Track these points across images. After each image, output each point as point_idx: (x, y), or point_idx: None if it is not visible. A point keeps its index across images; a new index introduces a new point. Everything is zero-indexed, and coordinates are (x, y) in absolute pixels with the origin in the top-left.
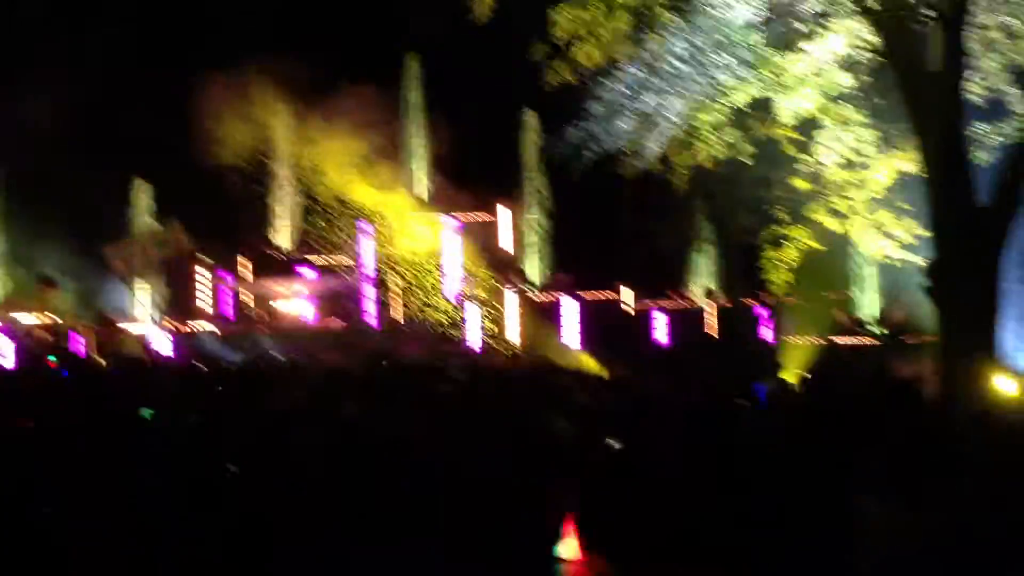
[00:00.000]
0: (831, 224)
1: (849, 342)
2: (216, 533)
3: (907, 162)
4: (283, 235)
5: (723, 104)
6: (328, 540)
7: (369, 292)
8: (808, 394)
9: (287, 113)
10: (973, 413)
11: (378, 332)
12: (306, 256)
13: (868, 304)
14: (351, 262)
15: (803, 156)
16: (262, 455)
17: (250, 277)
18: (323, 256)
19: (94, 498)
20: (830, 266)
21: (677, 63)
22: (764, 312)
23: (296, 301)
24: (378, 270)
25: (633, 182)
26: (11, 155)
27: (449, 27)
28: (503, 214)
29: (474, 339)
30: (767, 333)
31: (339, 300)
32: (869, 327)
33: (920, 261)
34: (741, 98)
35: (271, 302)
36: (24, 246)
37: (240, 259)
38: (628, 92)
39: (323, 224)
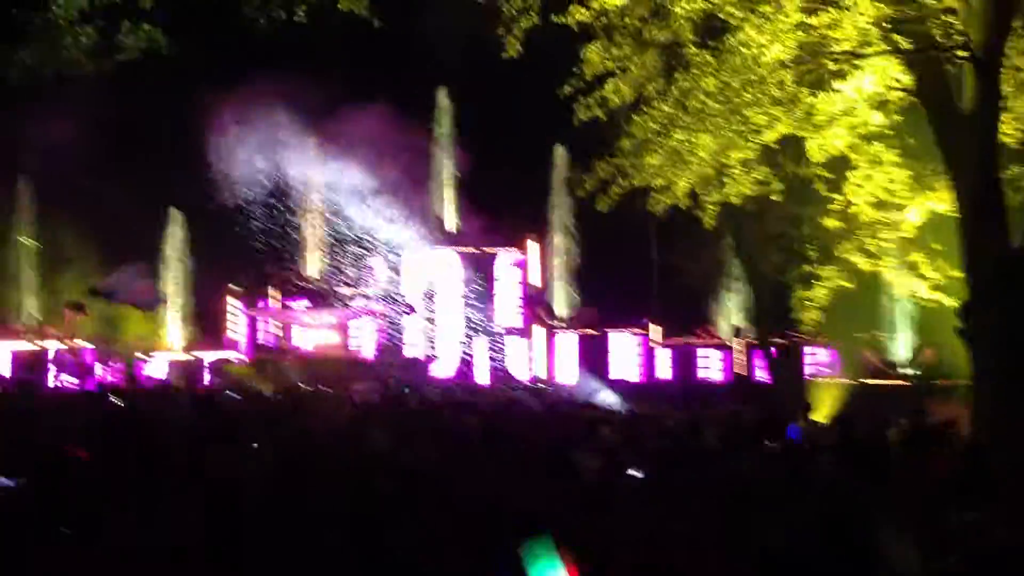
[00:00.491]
0: (862, 264)
1: (880, 383)
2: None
3: (939, 202)
4: (312, 266)
5: (753, 141)
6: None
7: (395, 323)
8: (839, 435)
9: (318, 145)
10: (1006, 456)
11: (403, 362)
12: (334, 287)
13: (899, 345)
14: (378, 293)
15: (834, 195)
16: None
17: (279, 306)
18: (351, 287)
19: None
20: (861, 306)
21: (707, 100)
22: (794, 351)
23: (323, 331)
24: (405, 302)
25: (661, 218)
26: (45, 181)
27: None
28: (532, 249)
29: (498, 373)
30: (797, 372)
31: (365, 330)
32: (900, 368)
33: (952, 302)
34: (771, 136)
35: (299, 331)
36: (57, 272)
37: (270, 289)
38: (657, 128)
39: (351, 255)
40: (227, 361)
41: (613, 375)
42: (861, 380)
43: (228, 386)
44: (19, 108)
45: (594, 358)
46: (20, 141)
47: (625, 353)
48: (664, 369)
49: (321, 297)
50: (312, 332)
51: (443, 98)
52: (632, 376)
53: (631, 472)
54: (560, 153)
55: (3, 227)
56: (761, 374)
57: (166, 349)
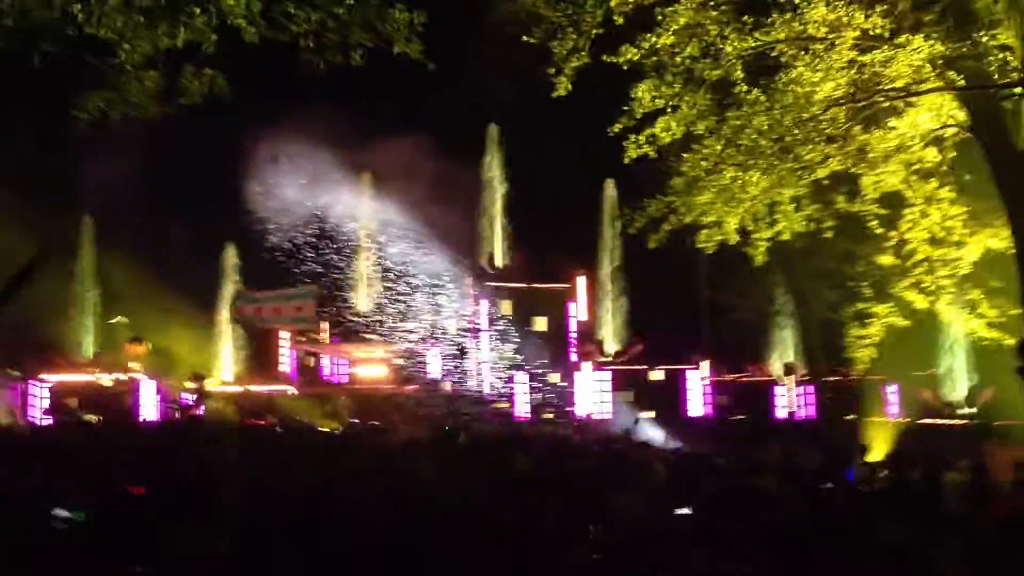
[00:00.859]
0: (918, 301)
1: (936, 423)
2: None
3: (997, 239)
4: (362, 301)
5: (805, 178)
6: None
7: (445, 359)
8: (895, 478)
9: (368, 182)
10: None
11: (451, 399)
12: (384, 322)
13: (957, 384)
14: (428, 329)
15: (888, 231)
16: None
17: (328, 341)
18: (401, 323)
19: None
20: (916, 345)
21: (758, 138)
22: (847, 389)
23: (373, 365)
24: (453, 339)
25: (712, 254)
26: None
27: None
28: (580, 284)
29: (547, 408)
30: (850, 410)
31: (414, 365)
32: (958, 408)
33: (1011, 341)
34: (823, 173)
35: (349, 366)
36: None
37: (321, 324)
38: (708, 166)
39: (401, 291)
40: (279, 395)
41: (662, 411)
42: (917, 420)
43: (279, 421)
44: (79, 148)
45: (642, 394)
46: (80, 179)
47: (674, 389)
48: (713, 406)
49: (371, 332)
50: (362, 367)
51: (492, 135)
52: (683, 412)
53: (681, 512)
54: (609, 189)
55: (64, 263)
56: (812, 412)
57: (219, 383)
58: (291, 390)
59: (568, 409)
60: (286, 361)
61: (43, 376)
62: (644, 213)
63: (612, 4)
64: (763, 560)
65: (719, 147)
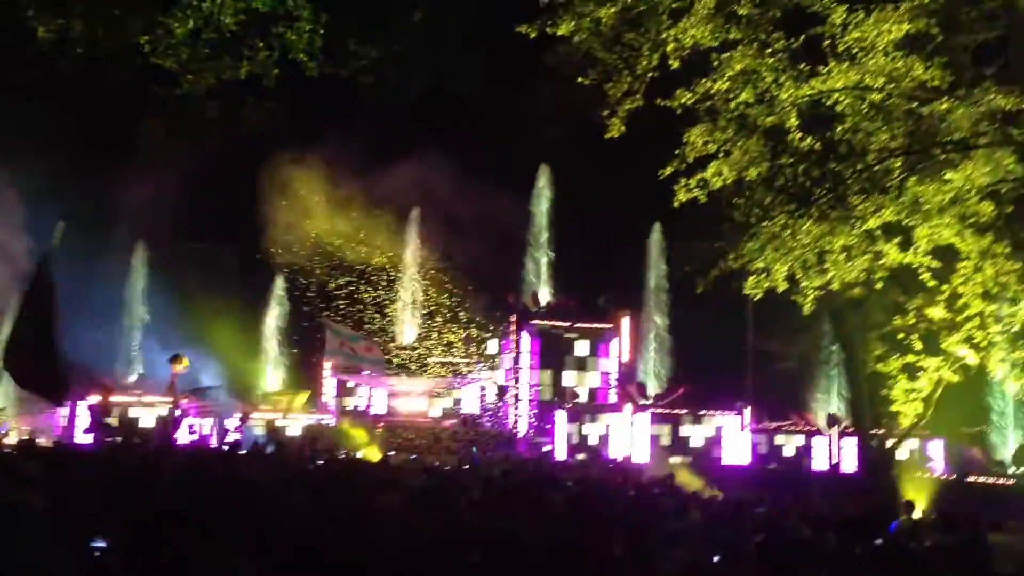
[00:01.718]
0: (968, 357)
1: (984, 481)
2: None
3: None
4: (405, 335)
5: (857, 228)
6: None
7: (484, 396)
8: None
9: (417, 219)
10: None
11: (486, 433)
12: (425, 356)
13: (1005, 442)
14: (469, 365)
15: (940, 285)
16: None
17: (370, 372)
18: (442, 356)
19: None
20: (966, 401)
21: (811, 186)
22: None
23: (413, 398)
24: (495, 377)
25: (759, 301)
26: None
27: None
28: (624, 326)
29: (583, 449)
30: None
31: (454, 401)
32: (1007, 467)
33: None
34: (875, 223)
35: (389, 398)
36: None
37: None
38: (759, 212)
39: (443, 326)
40: (322, 426)
41: (701, 457)
42: (964, 478)
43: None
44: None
45: (683, 439)
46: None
47: (715, 436)
48: (755, 454)
49: (413, 366)
50: (402, 400)
51: (543, 175)
52: (723, 459)
53: (715, 560)
54: (657, 232)
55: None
56: (855, 464)
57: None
58: (329, 419)
59: (603, 452)
60: (328, 391)
61: (87, 398)
62: (692, 257)
63: (668, 49)
64: None
65: (771, 194)
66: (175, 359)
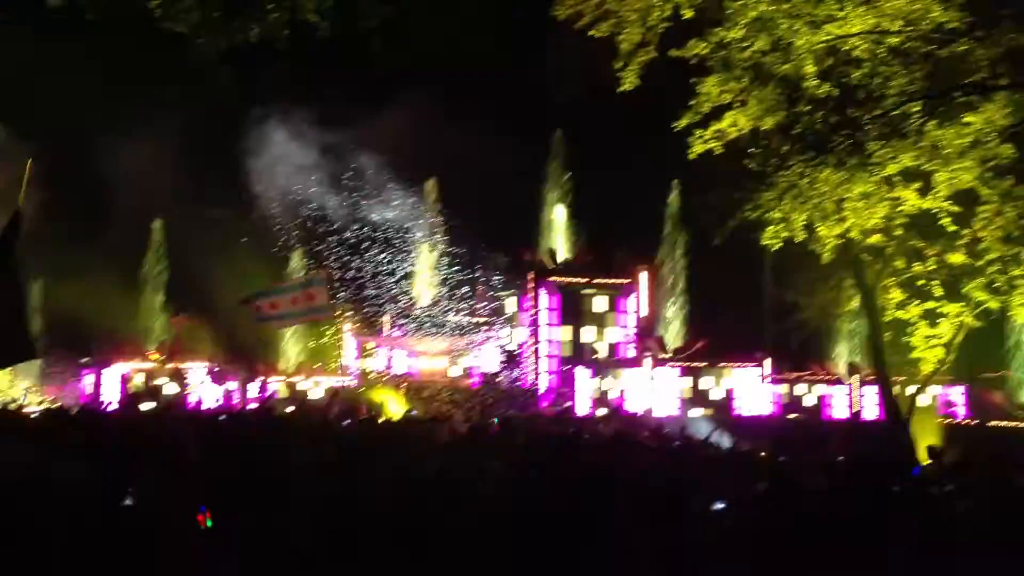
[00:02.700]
0: (990, 301)
1: (1007, 425)
2: None
3: None
4: (423, 296)
5: (876, 175)
6: None
7: (502, 353)
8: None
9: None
10: None
11: (506, 391)
12: (444, 315)
13: None
14: (488, 322)
15: (961, 229)
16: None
17: (389, 333)
18: (461, 315)
19: None
20: (988, 345)
21: (828, 133)
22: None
23: (431, 358)
24: (510, 334)
25: (777, 252)
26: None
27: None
28: (643, 280)
29: (605, 404)
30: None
31: (472, 359)
32: None
33: None
34: (894, 169)
35: (408, 358)
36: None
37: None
38: (776, 162)
39: (461, 286)
40: (342, 387)
41: (722, 409)
42: (986, 422)
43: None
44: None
45: (703, 391)
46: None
47: (735, 388)
48: (776, 405)
49: (431, 326)
50: (421, 359)
51: (558, 136)
52: (744, 411)
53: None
54: (674, 186)
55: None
56: (877, 412)
57: (280, 372)
58: (350, 381)
59: (624, 407)
60: (348, 353)
61: (111, 364)
62: (710, 210)
63: None
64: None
65: (788, 143)
66: (177, 315)
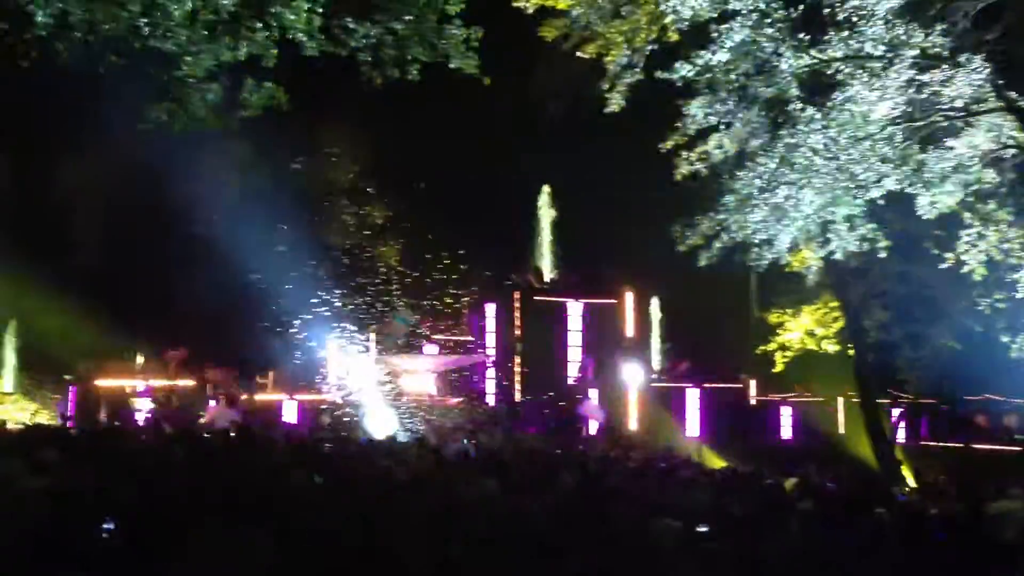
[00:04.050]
0: (973, 324)
1: (990, 448)
2: None
3: None
4: (407, 312)
5: (860, 197)
6: None
7: (490, 371)
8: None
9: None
10: None
11: (496, 410)
12: (430, 334)
13: (1013, 409)
14: (472, 342)
15: (944, 253)
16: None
17: (375, 352)
18: (445, 335)
19: None
20: (972, 368)
21: (813, 157)
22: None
23: (417, 376)
24: (501, 351)
25: (762, 273)
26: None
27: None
28: (628, 300)
29: (591, 425)
30: (901, 434)
31: (460, 377)
32: (1015, 434)
33: None
34: (878, 192)
35: (393, 377)
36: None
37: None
38: (761, 184)
39: (446, 304)
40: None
41: (707, 429)
42: (970, 445)
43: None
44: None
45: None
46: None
47: (719, 408)
48: (760, 425)
49: (415, 344)
50: (406, 378)
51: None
52: (728, 431)
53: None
54: (658, 206)
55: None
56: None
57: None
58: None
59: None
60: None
61: (95, 382)
62: (696, 231)
63: (667, 22)
64: None
65: (773, 165)
66: (171, 349)
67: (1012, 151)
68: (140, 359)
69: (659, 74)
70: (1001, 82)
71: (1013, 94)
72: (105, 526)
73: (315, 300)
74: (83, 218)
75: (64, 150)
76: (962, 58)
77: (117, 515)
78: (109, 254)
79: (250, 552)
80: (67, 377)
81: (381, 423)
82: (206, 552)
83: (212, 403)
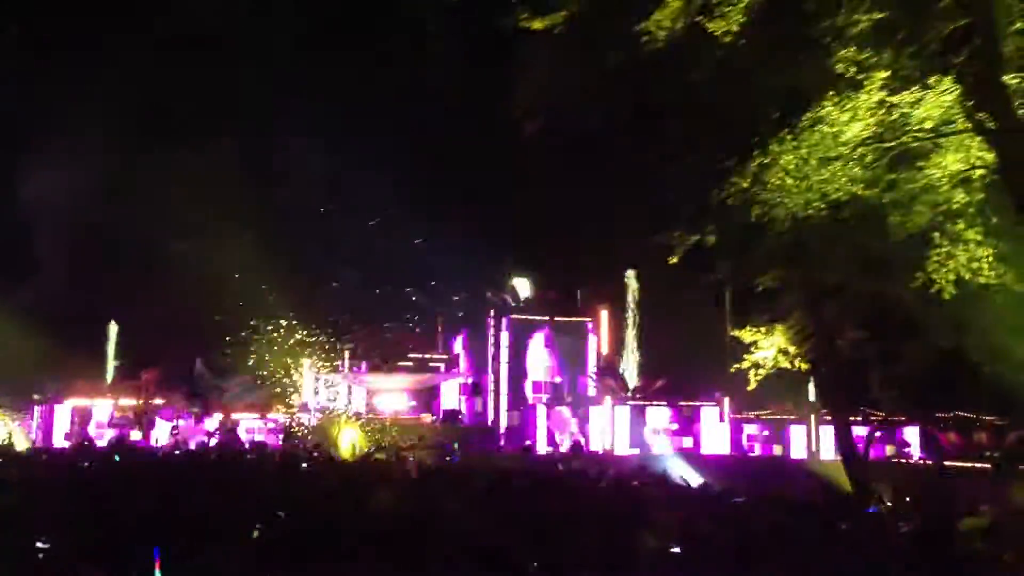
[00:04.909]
0: (944, 342)
1: (961, 465)
2: None
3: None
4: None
5: (831, 217)
6: None
7: (461, 392)
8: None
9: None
10: None
11: (468, 428)
12: (407, 354)
13: (982, 427)
14: (446, 362)
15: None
16: None
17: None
18: (421, 354)
19: None
20: (944, 386)
21: (784, 177)
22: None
23: (394, 395)
24: (474, 369)
25: (736, 292)
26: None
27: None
28: (604, 320)
29: (566, 443)
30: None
31: (433, 396)
32: (985, 451)
33: None
34: (849, 212)
35: (368, 396)
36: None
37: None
38: (735, 202)
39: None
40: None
41: (677, 447)
42: (941, 462)
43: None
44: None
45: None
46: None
47: (691, 426)
48: (733, 443)
49: (393, 364)
50: (382, 396)
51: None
52: (705, 449)
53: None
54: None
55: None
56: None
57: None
58: (309, 418)
59: (584, 444)
60: (308, 389)
61: (64, 401)
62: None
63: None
64: None
65: (745, 184)
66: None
67: (981, 171)
68: (109, 379)
69: (635, 94)
70: (970, 103)
71: (981, 115)
72: None
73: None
74: None
75: None
76: (931, 80)
77: None
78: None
79: None
80: (35, 397)
81: (349, 440)
82: None
83: (180, 422)
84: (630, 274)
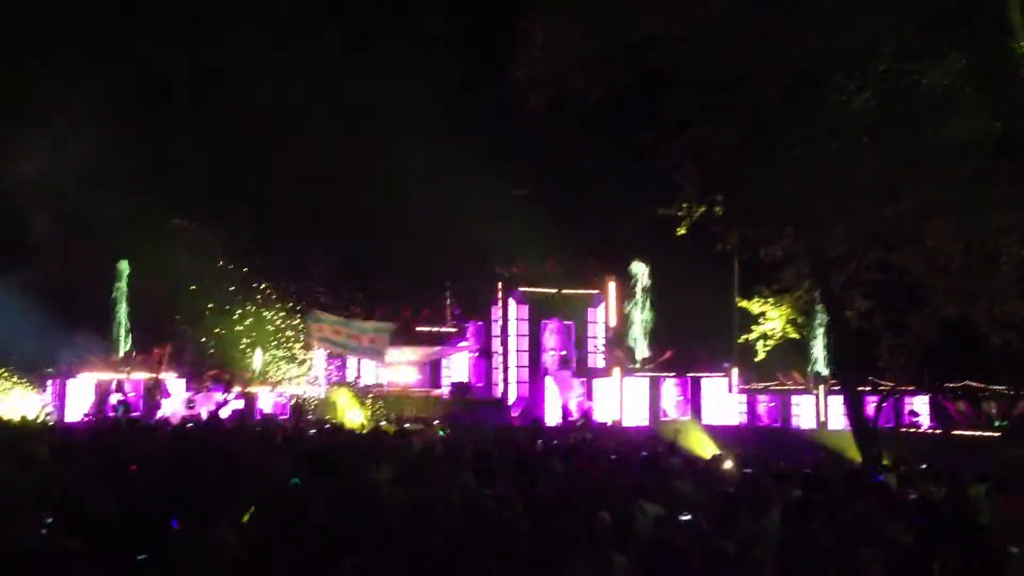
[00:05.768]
0: (952, 311)
1: (969, 434)
2: None
3: None
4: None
5: (840, 184)
6: None
7: (472, 362)
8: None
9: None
10: None
11: (475, 401)
12: (415, 325)
13: (991, 396)
14: (457, 333)
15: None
16: None
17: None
18: (431, 327)
19: None
20: (952, 355)
21: (792, 147)
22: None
23: (403, 367)
24: (483, 343)
25: (744, 263)
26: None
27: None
28: (611, 290)
29: (576, 415)
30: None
31: (441, 368)
32: (994, 420)
33: None
34: (857, 181)
35: (380, 369)
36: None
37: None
38: (744, 174)
39: (432, 295)
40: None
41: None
42: (950, 431)
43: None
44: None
45: (670, 400)
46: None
47: (701, 397)
48: (742, 414)
49: (404, 335)
50: (392, 369)
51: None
52: (714, 420)
53: (687, 519)
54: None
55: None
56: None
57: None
58: (321, 391)
59: (592, 416)
60: (318, 362)
61: (80, 375)
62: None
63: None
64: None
65: (756, 156)
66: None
67: (987, 140)
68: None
69: (638, 68)
70: (979, 72)
71: (989, 84)
72: None
73: None
74: None
75: None
76: (938, 52)
77: None
78: None
79: None
80: (47, 370)
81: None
82: None
83: (198, 394)
84: (637, 246)
